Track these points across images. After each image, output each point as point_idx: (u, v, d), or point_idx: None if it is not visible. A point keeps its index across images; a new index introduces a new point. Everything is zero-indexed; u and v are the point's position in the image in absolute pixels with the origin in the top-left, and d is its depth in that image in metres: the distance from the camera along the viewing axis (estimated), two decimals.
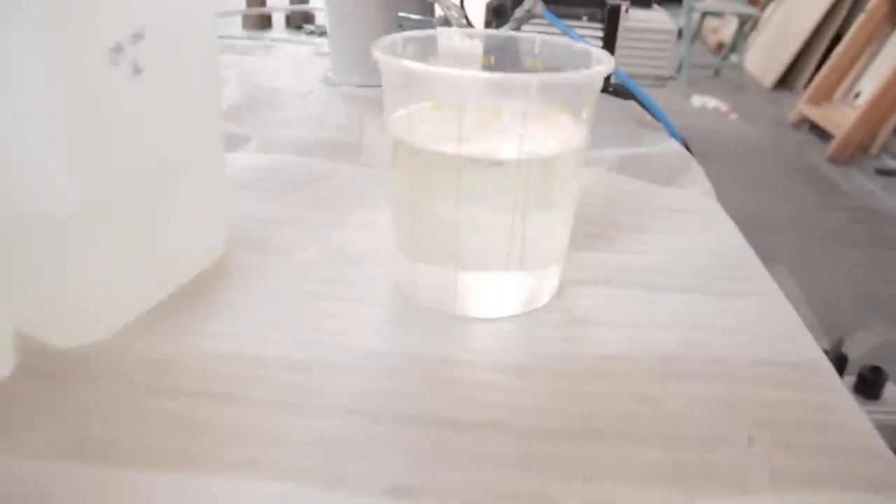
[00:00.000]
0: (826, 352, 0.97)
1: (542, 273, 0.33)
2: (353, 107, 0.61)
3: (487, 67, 0.35)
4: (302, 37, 0.86)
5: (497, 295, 0.33)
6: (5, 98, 0.25)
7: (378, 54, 0.29)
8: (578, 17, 0.68)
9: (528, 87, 0.27)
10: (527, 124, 0.29)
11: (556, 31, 0.62)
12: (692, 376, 0.30)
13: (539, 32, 0.66)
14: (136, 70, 0.28)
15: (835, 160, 2.58)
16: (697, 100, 3.19)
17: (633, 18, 0.68)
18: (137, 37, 0.28)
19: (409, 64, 0.29)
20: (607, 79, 0.69)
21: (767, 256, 0.42)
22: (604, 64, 0.30)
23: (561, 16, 0.65)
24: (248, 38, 0.85)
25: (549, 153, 0.30)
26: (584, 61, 0.32)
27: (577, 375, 0.30)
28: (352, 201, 0.43)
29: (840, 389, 0.30)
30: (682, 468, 0.25)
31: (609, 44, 0.68)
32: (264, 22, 0.90)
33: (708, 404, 0.28)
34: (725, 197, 0.49)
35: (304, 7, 0.89)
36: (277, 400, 0.28)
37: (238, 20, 0.90)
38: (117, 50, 0.27)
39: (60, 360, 0.29)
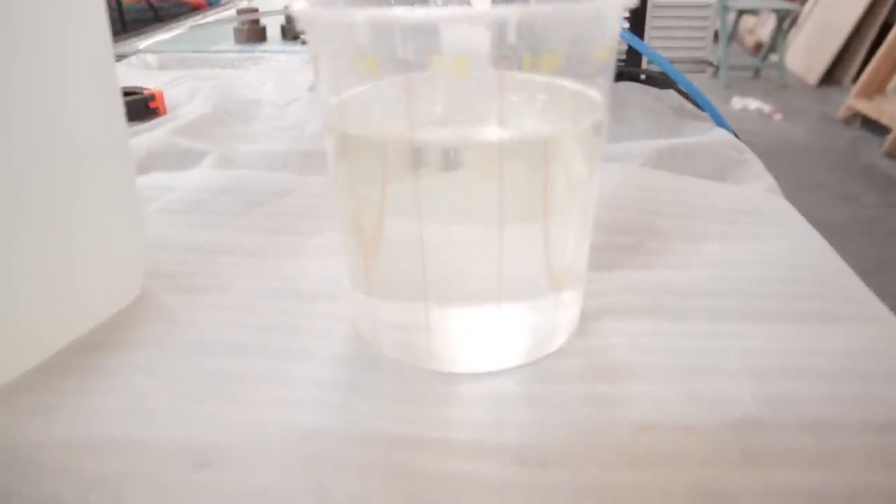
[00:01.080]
0: None
1: (552, 303, 0.24)
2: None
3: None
4: (297, 47, 0.79)
5: (487, 338, 0.23)
6: None
7: (296, 6, 0.21)
8: None
9: (506, 29, 0.18)
10: (509, 92, 0.20)
11: None
12: (784, 455, 0.20)
13: None
14: None
15: (893, 155, 2.41)
16: (738, 102, 3.04)
17: None
18: None
19: (337, 11, 0.20)
20: (638, 63, 0.60)
21: None
22: None
23: None
24: (239, 52, 0.77)
25: (545, 134, 0.21)
26: None
27: (606, 459, 0.20)
28: (316, 221, 0.34)
29: None
30: None
31: (637, 24, 0.58)
32: (258, 34, 0.82)
33: (812, 499, 0.18)
34: None
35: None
36: None
37: (230, 33, 0.83)
38: None
39: None
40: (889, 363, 0.24)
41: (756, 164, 0.43)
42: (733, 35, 3.70)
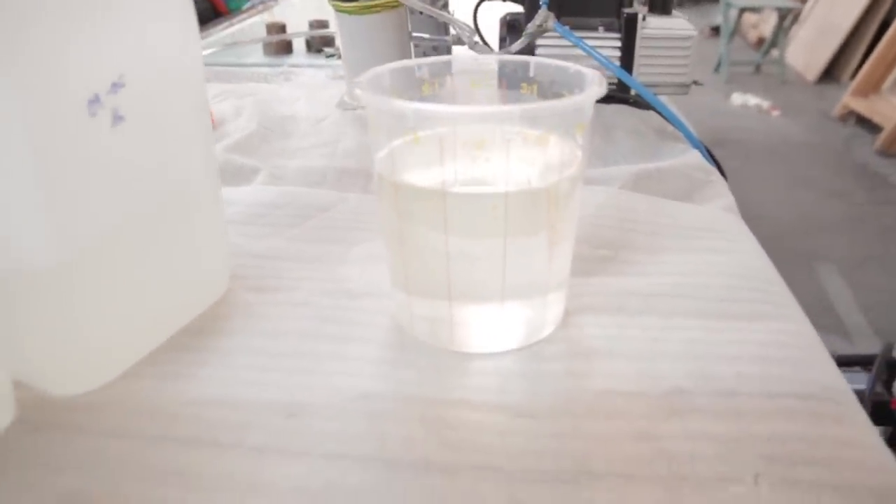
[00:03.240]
0: (874, 357, 0.93)
1: (542, 302, 0.32)
2: (366, 131, 0.60)
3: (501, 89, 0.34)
4: (321, 60, 0.87)
5: (493, 328, 0.32)
6: None
7: (360, 91, 0.29)
8: (594, 28, 0.67)
9: (512, 118, 0.27)
10: (512, 153, 0.28)
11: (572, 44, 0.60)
12: (699, 411, 0.28)
13: (553, 46, 0.66)
14: (117, 119, 0.28)
15: (885, 153, 2.48)
16: (738, 98, 3.12)
17: (651, 26, 0.67)
18: (117, 85, 0.28)
19: (392, 101, 0.28)
20: (627, 89, 0.68)
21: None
22: (595, 87, 0.29)
23: (576, 27, 0.64)
24: (268, 66, 0.86)
25: (536, 181, 0.29)
26: (579, 83, 0.31)
27: (577, 414, 0.28)
28: (356, 233, 0.43)
29: (861, 421, 0.28)
30: None
31: (627, 54, 0.66)
32: (285, 47, 0.90)
33: (713, 441, 0.27)
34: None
35: (322, 32, 0.89)
36: (267, 446, 0.27)
37: (259, 46, 0.91)
38: (94, 101, 0.27)
39: (58, 411, 0.29)
40: (792, 351, 0.32)
41: (720, 185, 0.52)
42: (736, 30, 3.76)
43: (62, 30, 0.25)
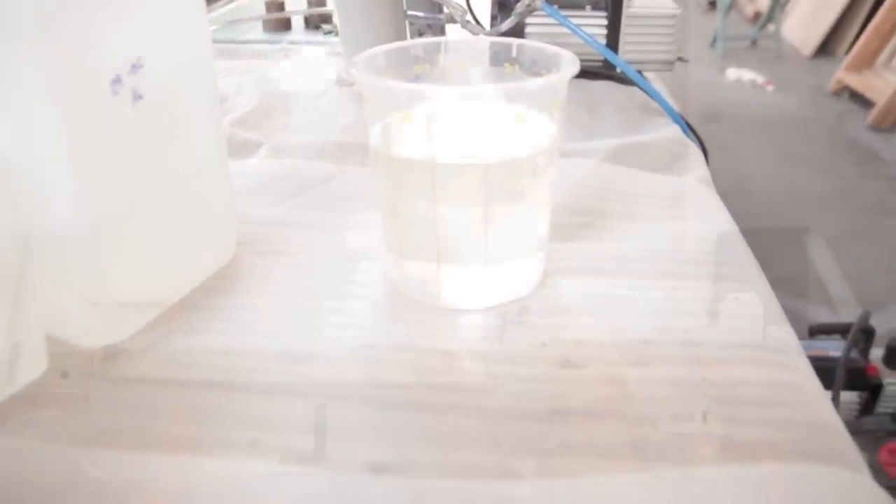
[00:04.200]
0: (850, 325, 0.97)
1: (521, 264, 0.36)
2: (362, 108, 0.63)
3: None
4: (319, 37, 0.89)
5: (477, 287, 0.35)
6: (16, 132, 0.28)
7: (356, 72, 0.32)
8: (582, 7, 0.70)
9: (494, 97, 0.30)
10: (493, 128, 0.31)
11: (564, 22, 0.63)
12: (661, 359, 0.32)
13: (544, 24, 0.68)
14: (137, 97, 0.31)
15: (877, 128, 2.51)
16: (733, 73, 3.13)
17: (636, 5, 0.69)
18: (136, 66, 0.31)
19: (385, 82, 0.31)
20: (613, 67, 0.70)
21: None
22: (569, 68, 0.32)
23: (564, 6, 0.67)
24: (268, 42, 0.88)
25: (514, 153, 0.32)
26: (556, 63, 0.34)
27: (551, 362, 0.32)
28: (353, 202, 0.46)
29: (804, 368, 0.32)
30: (638, 443, 0.27)
31: (613, 32, 0.69)
32: (284, 24, 0.92)
33: (672, 385, 0.30)
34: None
35: (320, 10, 0.92)
36: (276, 388, 0.31)
37: (259, 23, 0.93)
38: (116, 81, 0.30)
39: (86, 360, 0.32)
40: (749, 308, 0.36)
41: (696, 158, 0.55)
42: (733, 4, 3.76)
43: (87, 16, 0.28)
